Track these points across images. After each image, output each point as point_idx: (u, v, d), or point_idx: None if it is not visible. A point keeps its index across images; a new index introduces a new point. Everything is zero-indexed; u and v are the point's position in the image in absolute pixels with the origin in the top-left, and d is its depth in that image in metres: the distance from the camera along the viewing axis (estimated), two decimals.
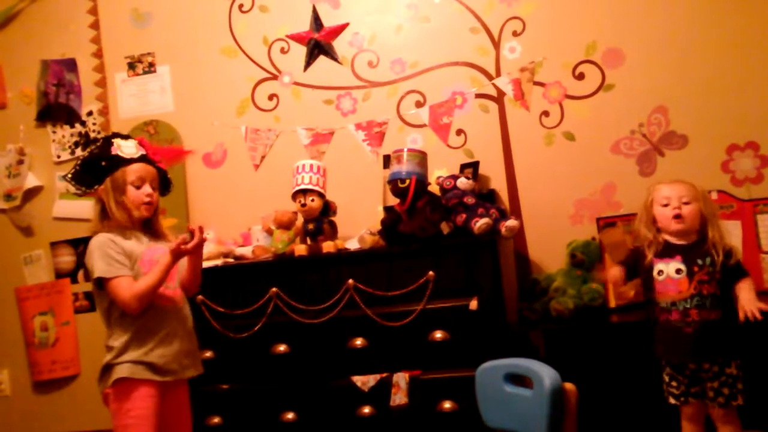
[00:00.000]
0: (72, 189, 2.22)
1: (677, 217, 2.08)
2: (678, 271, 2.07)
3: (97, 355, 2.14)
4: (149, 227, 2.18)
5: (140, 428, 2.00)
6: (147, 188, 2.13)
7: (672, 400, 2.13)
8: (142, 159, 2.16)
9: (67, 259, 3.39)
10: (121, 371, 2.02)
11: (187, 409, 2.22)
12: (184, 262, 2.16)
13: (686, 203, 2.09)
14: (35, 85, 3.43)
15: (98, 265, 2.03)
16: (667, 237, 2.13)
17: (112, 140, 2.16)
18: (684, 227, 2.09)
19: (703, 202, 2.11)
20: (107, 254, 2.04)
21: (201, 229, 2.09)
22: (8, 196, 3.45)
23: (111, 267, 2.03)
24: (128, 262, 2.06)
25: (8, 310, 3.45)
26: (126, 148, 2.15)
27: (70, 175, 2.17)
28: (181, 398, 2.18)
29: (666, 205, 2.10)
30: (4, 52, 3.48)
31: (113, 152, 2.13)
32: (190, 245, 2.05)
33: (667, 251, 2.11)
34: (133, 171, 2.12)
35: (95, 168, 2.13)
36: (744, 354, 2.07)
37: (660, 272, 2.10)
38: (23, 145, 3.43)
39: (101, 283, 2.04)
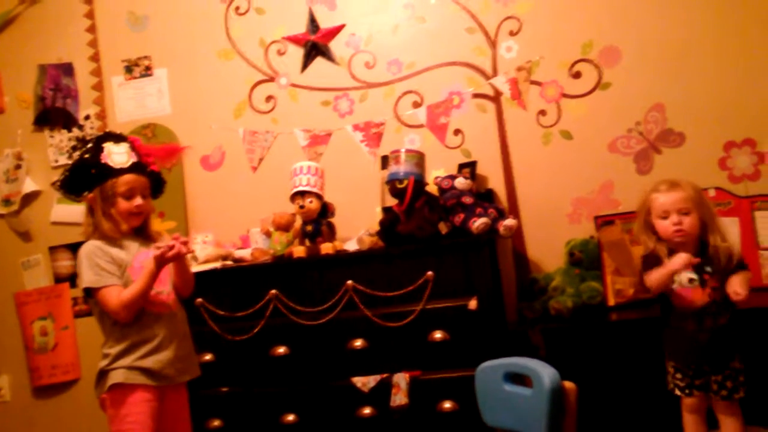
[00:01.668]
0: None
1: (678, 231, 2.06)
2: (691, 280, 2.04)
3: (96, 360, 2.13)
4: (140, 232, 2.17)
5: None
6: (137, 200, 2.11)
7: (677, 392, 2.12)
8: (133, 168, 2.12)
9: (65, 263, 3.38)
10: (116, 377, 2.02)
11: (186, 413, 2.22)
12: (172, 267, 2.13)
13: (685, 214, 2.05)
14: (32, 89, 3.43)
15: (86, 275, 2.03)
16: (671, 246, 2.10)
17: (103, 145, 2.11)
18: (685, 240, 2.07)
19: (701, 208, 2.07)
20: (95, 263, 2.03)
21: (186, 243, 2.06)
22: (6, 201, 3.45)
23: (99, 276, 2.03)
24: (117, 271, 2.06)
25: (7, 315, 3.44)
26: (117, 156, 2.10)
27: (59, 183, 2.14)
28: (180, 402, 2.18)
29: (665, 218, 2.07)
30: (1, 57, 3.48)
31: (103, 160, 2.09)
32: (171, 253, 2.01)
33: None
34: (123, 183, 2.09)
35: (84, 175, 2.10)
36: (745, 348, 2.06)
37: (673, 280, 2.07)
38: (21, 149, 3.43)
39: (90, 292, 2.04)
